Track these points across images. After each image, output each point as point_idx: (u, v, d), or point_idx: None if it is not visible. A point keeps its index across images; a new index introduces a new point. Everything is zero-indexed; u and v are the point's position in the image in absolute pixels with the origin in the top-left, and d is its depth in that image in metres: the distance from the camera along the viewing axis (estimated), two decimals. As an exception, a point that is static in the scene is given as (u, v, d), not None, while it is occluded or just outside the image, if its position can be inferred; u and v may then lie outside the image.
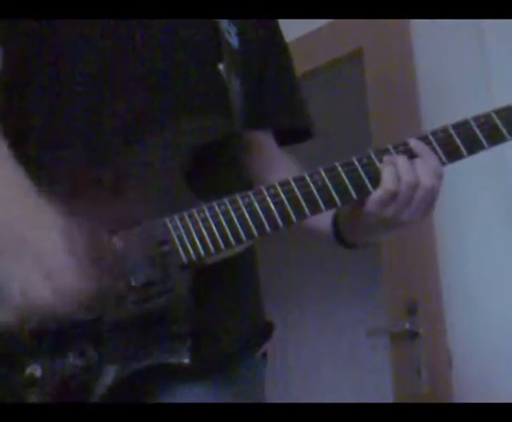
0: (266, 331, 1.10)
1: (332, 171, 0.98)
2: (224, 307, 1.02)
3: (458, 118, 1.04)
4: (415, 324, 1.99)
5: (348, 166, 0.99)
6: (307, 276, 2.80)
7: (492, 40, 2.01)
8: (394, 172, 0.98)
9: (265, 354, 1.13)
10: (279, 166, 1.23)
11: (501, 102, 1.05)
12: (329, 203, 0.98)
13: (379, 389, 2.23)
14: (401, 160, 0.99)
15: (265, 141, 1.26)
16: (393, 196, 0.98)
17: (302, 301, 2.85)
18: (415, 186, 0.98)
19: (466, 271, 1.97)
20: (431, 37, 2.18)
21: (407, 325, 1.99)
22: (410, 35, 2.21)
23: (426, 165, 0.98)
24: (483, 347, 1.88)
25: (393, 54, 2.23)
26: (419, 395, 1.93)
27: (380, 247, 2.17)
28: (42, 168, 1.00)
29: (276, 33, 1.31)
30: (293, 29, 2.22)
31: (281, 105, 1.28)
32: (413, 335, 1.99)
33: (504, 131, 1.00)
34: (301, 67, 2.28)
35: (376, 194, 0.98)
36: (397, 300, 2.06)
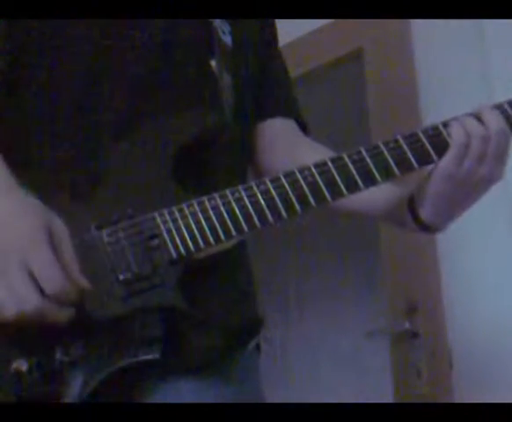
0: (254, 326, 1.10)
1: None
2: (213, 301, 1.02)
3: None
4: (415, 324, 1.99)
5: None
6: (307, 276, 2.80)
7: (492, 40, 2.01)
8: (463, 128, 1.01)
9: (258, 346, 1.13)
10: (306, 150, 1.22)
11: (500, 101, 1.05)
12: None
13: (379, 389, 2.22)
14: (468, 119, 1.02)
15: (285, 128, 1.26)
16: (466, 149, 1.00)
17: (302, 301, 2.85)
18: (486, 137, 1.00)
19: (466, 271, 1.97)
20: (431, 37, 2.18)
21: (407, 325, 2.00)
22: (410, 35, 2.22)
23: (492, 119, 1.02)
24: (483, 347, 1.88)
25: (393, 54, 2.23)
26: (419, 395, 1.93)
27: (380, 247, 2.17)
28: (41, 167, 1.01)
29: (275, 36, 1.32)
30: (293, 29, 2.23)
31: (286, 98, 1.29)
32: (413, 335, 1.99)
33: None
34: (301, 67, 2.30)
35: (450, 152, 1.00)
36: (397, 300, 2.06)
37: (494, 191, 1.04)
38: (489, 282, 1.92)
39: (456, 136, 1.00)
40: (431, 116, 2.05)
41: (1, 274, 0.84)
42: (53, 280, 0.85)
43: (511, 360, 1.83)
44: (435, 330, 1.97)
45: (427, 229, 1.08)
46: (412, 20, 2.20)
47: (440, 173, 1.02)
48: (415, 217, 1.07)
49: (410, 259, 2.06)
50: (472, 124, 1.01)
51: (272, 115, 1.25)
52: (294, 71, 1.40)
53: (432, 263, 2.02)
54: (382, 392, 2.13)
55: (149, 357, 0.92)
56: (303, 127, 1.28)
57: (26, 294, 0.84)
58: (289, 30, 1.85)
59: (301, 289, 2.84)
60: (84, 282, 0.88)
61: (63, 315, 0.87)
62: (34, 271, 0.85)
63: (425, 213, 1.06)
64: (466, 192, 1.04)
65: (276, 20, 1.33)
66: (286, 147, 1.23)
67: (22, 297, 0.84)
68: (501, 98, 1.07)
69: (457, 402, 1.87)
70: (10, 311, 0.84)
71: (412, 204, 1.08)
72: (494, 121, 1.01)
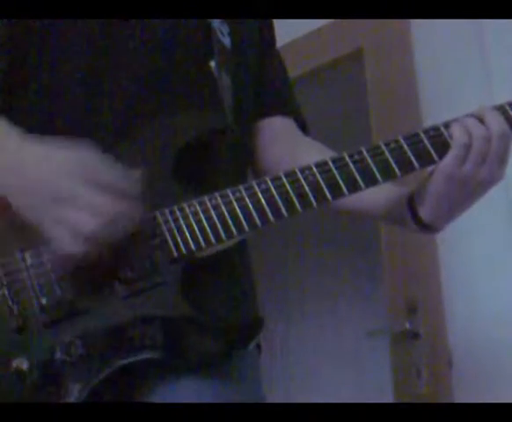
0: (254, 326, 1.10)
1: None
2: (214, 300, 1.02)
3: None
4: (415, 324, 1.99)
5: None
6: (307, 276, 2.81)
7: (492, 40, 2.01)
8: (464, 129, 1.01)
9: (258, 346, 1.13)
10: (306, 149, 1.22)
11: (500, 101, 1.05)
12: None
13: (379, 389, 2.22)
14: (469, 120, 1.02)
15: (285, 126, 1.27)
16: (467, 150, 1.00)
17: (302, 301, 2.85)
18: (487, 138, 1.01)
19: (466, 271, 1.97)
20: (431, 37, 2.18)
21: (407, 325, 2.00)
22: (410, 35, 2.22)
23: (494, 120, 1.02)
24: (483, 347, 1.88)
25: (393, 54, 2.23)
26: (419, 395, 1.93)
27: (380, 247, 2.17)
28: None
29: (273, 36, 1.33)
30: (293, 29, 2.23)
31: (285, 97, 1.30)
32: (413, 335, 1.99)
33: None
34: (301, 67, 2.30)
35: (450, 153, 1.00)
36: (397, 300, 2.06)
37: (494, 191, 1.05)
38: (489, 282, 1.92)
39: (457, 137, 1.01)
40: (431, 116, 2.05)
41: (72, 199, 0.87)
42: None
43: (511, 361, 1.83)
44: (434, 330, 1.97)
45: (427, 228, 1.08)
46: (412, 20, 2.21)
47: (441, 173, 1.02)
48: (415, 216, 1.08)
49: (410, 259, 2.06)
50: (474, 125, 1.01)
51: (271, 114, 1.25)
52: (294, 71, 1.40)
53: (432, 263, 2.02)
54: (382, 392, 2.13)
55: (149, 356, 0.92)
56: (303, 127, 1.29)
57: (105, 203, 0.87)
58: (289, 30, 1.86)
59: (301, 289, 2.85)
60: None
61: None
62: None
63: (425, 212, 1.06)
64: (467, 192, 1.04)
65: (276, 20, 1.33)
66: (285, 146, 1.23)
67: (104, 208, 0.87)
68: (501, 97, 1.07)
69: (456, 402, 1.87)
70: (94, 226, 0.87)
71: (412, 203, 1.08)
72: (495, 122, 1.02)
